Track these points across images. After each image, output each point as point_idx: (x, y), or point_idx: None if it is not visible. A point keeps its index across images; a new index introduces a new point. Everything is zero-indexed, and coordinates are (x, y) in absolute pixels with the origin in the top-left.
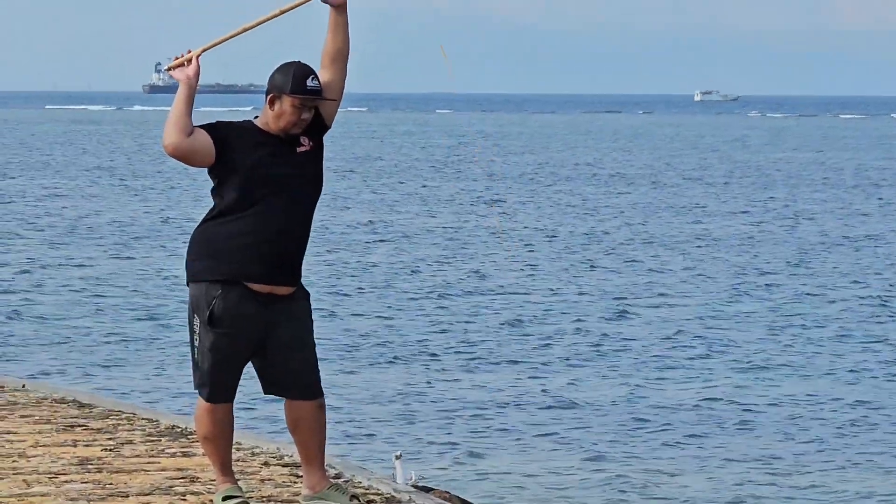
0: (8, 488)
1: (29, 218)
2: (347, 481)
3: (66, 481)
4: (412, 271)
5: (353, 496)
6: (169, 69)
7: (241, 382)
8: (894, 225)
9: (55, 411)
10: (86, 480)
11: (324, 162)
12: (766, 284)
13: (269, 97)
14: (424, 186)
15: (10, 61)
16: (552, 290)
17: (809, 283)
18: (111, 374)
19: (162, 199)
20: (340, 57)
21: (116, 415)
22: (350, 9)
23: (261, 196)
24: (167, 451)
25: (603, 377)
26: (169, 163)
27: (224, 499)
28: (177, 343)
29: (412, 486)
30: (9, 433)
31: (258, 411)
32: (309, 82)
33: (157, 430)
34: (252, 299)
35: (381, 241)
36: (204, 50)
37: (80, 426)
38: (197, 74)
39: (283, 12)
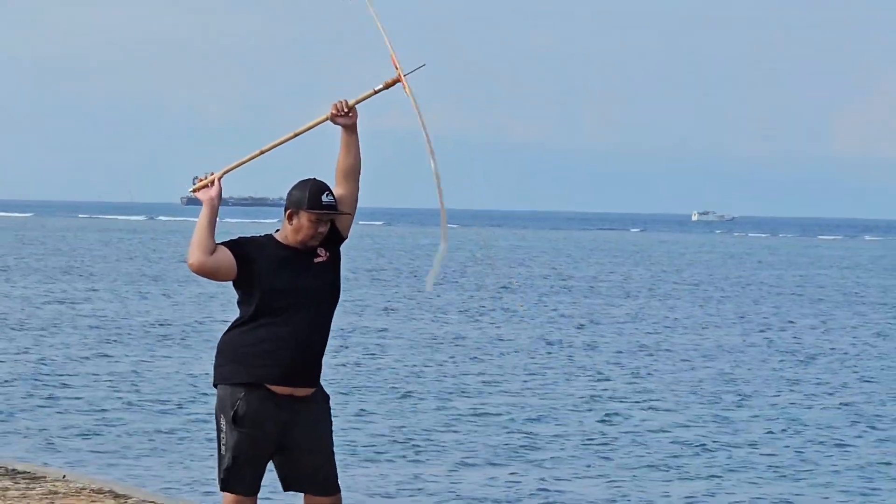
0: None
1: (68, 317)
2: None
3: None
4: (419, 373)
5: None
6: (193, 191)
7: (264, 475)
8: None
9: (93, 501)
10: None
11: (341, 271)
12: (746, 394)
13: (287, 213)
14: (439, 296)
15: (57, 171)
16: (548, 393)
17: (794, 390)
18: (144, 466)
19: (192, 304)
20: (352, 173)
21: None
22: (370, 127)
23: (282, 306)
24: None
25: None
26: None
27: None
28: (202, 439)
29: None
30: None
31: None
32: (324, 198)
33: None
34: (273, 401)
35: (394, 343)
36: (225, 172)
37: None
38: (219, 195)
39: (297, 135)
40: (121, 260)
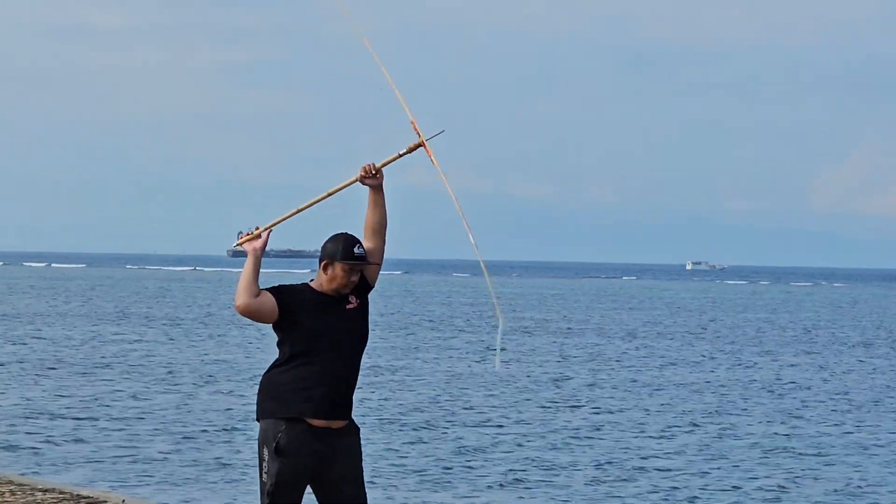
0: None
1: (114, 359)
2: None
3: None
4: (427, 407)
5: None
6: (238, 244)
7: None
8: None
9: None
10: None
11: (369, 316)
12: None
13: (322, 263)
14: (456, 336)
15: (113, 225)
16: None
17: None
18: (192, 491)
19: (236, 347)
20: (380, 229)
21: None
22: (397, 185)
23: (317, 347)
24: None
25: None
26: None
27: None
28: (243, 467)
29: None
30: None
31: None
32: (356, 250)
33: None
34: (311, 433)
35: (409, 381)
36: (269, 227)
37: None
38: (264, 247)
39: (330, 194)
40: (179, 306)
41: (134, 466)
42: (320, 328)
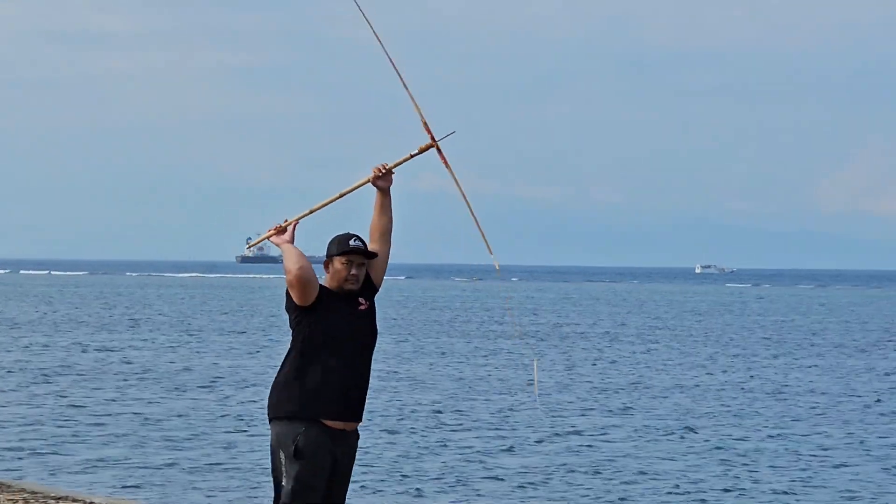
0: None
1: (123, 363)
2: None
3: None
4: (435, 411)
5: None
6: (266, 237)
7: None
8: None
9: None
10: None
11: (376, 317)
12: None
13: (324, 264)
14: (469, 342)
15: (123, 234)
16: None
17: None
18: (216, 498)
19: (238, 350)
20: (386, 231)
21: None
22: (407, 190)
23: (335, 346)
24: None
25: None
26: (246, 323)
27: None
28: (254, 469)
29: None
30: None
31: None
32: (351, 242)
33: None
34: (328, 435)
35: (410, 384)
36: (294, 221)
37: None
38: (292, 239)
39: (342, 195)
40: (214, 312)
41: (143, 472)
42: (336, 324)
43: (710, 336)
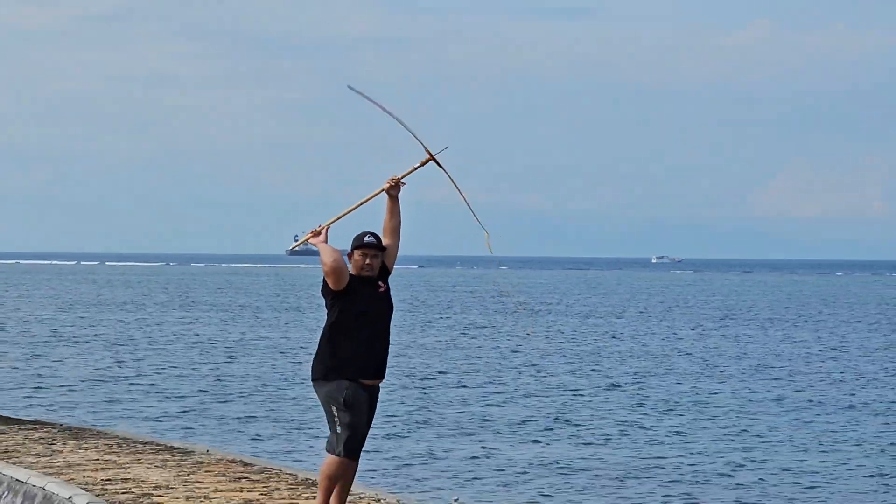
0: None
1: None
2: None
3: None
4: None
5: None
6: (305, 240)
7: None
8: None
9: (228, 468)
10: None
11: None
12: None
13: (348, 255)
14: (471, 323)
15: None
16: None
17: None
18: (264, 441)
19: (288, 325)
20: (395, 229)
21: (269, 471)
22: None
23: (363, 322)
24: (303, 495)
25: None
26: (283, 305)
27: None
28: (311, 422)
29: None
30: (197, 482)
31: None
32: (366, 238)
33: (297, 480)
34: (365, 390)
35: (421, 353)
36: (326, 226)
37: (244, 478)
38: (326, 238)
39: (363, 202)
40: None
41: (215, 422)
42: (363, 304)
43: (645, 312)
